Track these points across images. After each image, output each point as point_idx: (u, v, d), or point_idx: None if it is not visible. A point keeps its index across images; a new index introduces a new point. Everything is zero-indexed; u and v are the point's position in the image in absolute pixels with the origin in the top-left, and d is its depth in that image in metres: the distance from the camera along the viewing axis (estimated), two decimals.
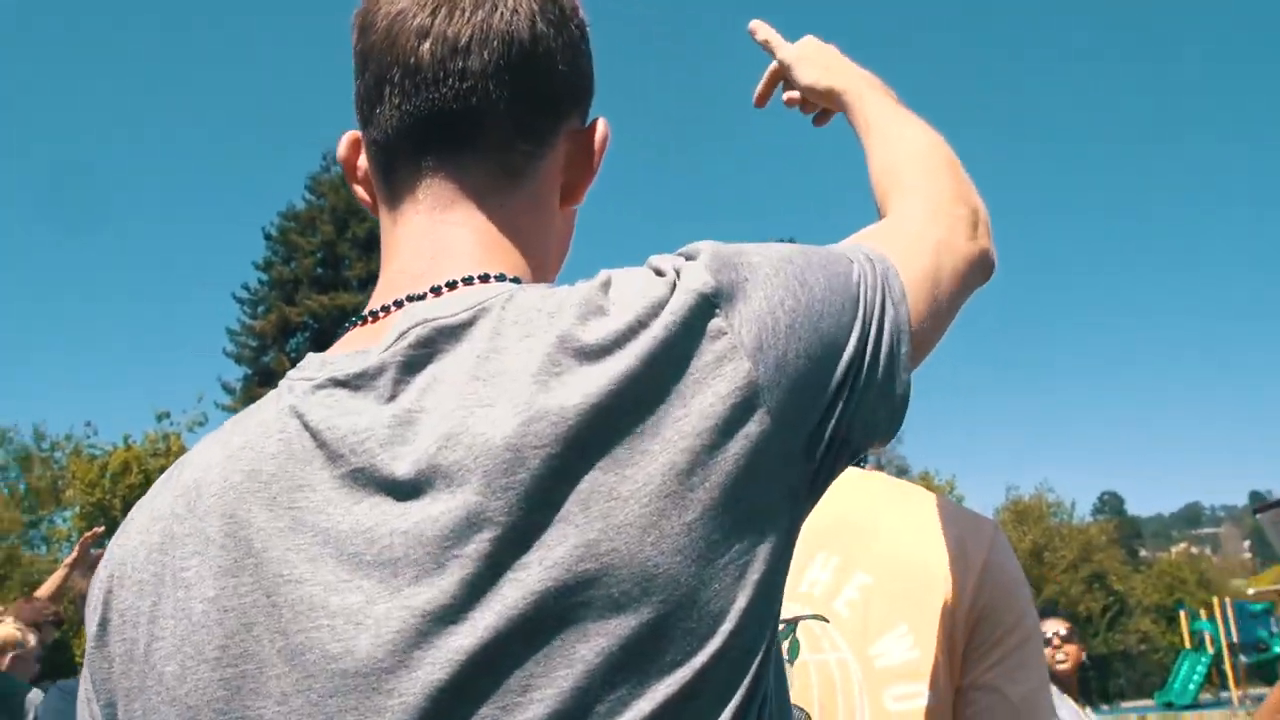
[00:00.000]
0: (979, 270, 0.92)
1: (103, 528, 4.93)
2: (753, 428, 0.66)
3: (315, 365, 0.74)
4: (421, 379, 0.69)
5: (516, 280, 0.76)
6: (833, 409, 0.71)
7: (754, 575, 0.65)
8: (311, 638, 0.64)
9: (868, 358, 0.73)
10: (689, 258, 0.72)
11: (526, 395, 0.65)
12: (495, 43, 0.76)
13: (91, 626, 0.73)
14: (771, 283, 0.71)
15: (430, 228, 0.79)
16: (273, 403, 0.74)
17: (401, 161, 0.79)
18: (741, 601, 0.65)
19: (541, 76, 0.79)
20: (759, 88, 1.28)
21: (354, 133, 0.85)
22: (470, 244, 0.78)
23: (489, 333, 0.68)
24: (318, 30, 48.88)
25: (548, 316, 0.68)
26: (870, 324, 0.74)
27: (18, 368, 41.01)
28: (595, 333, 0.66)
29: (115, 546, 0.75)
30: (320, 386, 0.71)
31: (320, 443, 0.69)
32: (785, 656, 1.19)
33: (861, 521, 1.27)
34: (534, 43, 0.77)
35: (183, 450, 25.16)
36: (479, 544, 0.62)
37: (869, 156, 1.05)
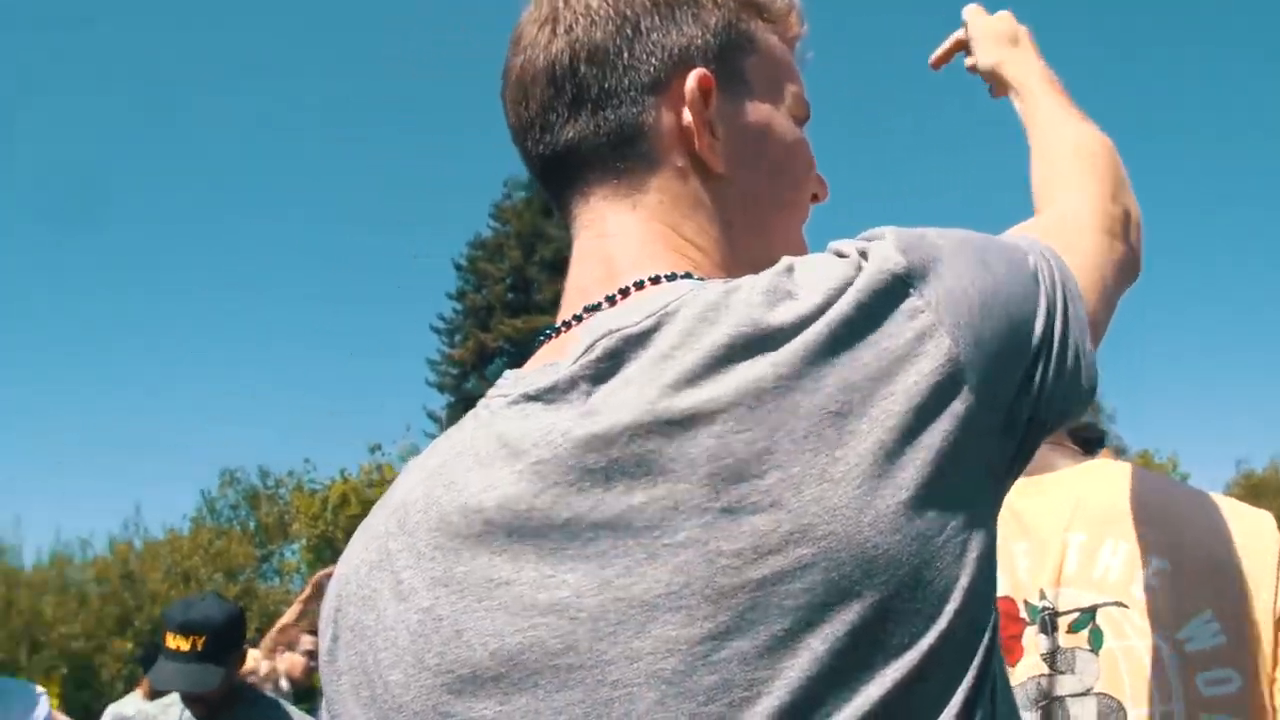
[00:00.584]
0: (1130, 272, 0.92)
1: (334, 567, 4.80)
2: (958, 405, 0.65)
3: (510, 382, 0.76)
4: (610, 385, 0.68)
5: (688, 275, 0.76)
6: (1026, 390, 0.70)
7: (973, 553, 0.64)
8: (528, 636, 0.64)
9: (1055, 346, 0.72)
10: (870, 240, 0.71)
11: (720, 384, 0.64)
12: (554, 71, 0.81)
13: (324, 643, 0.76)
14: (958, 262, 0.70)
15: (592, 245, 0.80)
16: (470, 421, 0.77)
17: (552, 193, 0.85)
18: (964, 580, 0.63)
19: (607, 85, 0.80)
20: (939, 50, 1.30)
21: None
22: (631, 251, 0.78)
23: (676, 334, 0.67)
24: (489, 64, 50.25)
25: (732, 308, 0.67)
26: (1054, 313, 0.73)
27: (243, 414, 43.62)
28: (784, 316, 0.65)
29: (341, 566, 0.78)
30: (514, 402, 0.72)
31: (511, 450, 0.69)
32: (1088, 646, 1.22)
33: (1142, 511, 1.28)
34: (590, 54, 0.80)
35: (395, 478, 25.93)
36: (688, 531, 0.62)
37: (1031, 149, 1.06)
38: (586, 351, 0.70)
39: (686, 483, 0.62)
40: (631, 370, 0.68)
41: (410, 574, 0.70)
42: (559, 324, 0.78)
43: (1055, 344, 0.72)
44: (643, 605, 0.62)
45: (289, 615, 4.79)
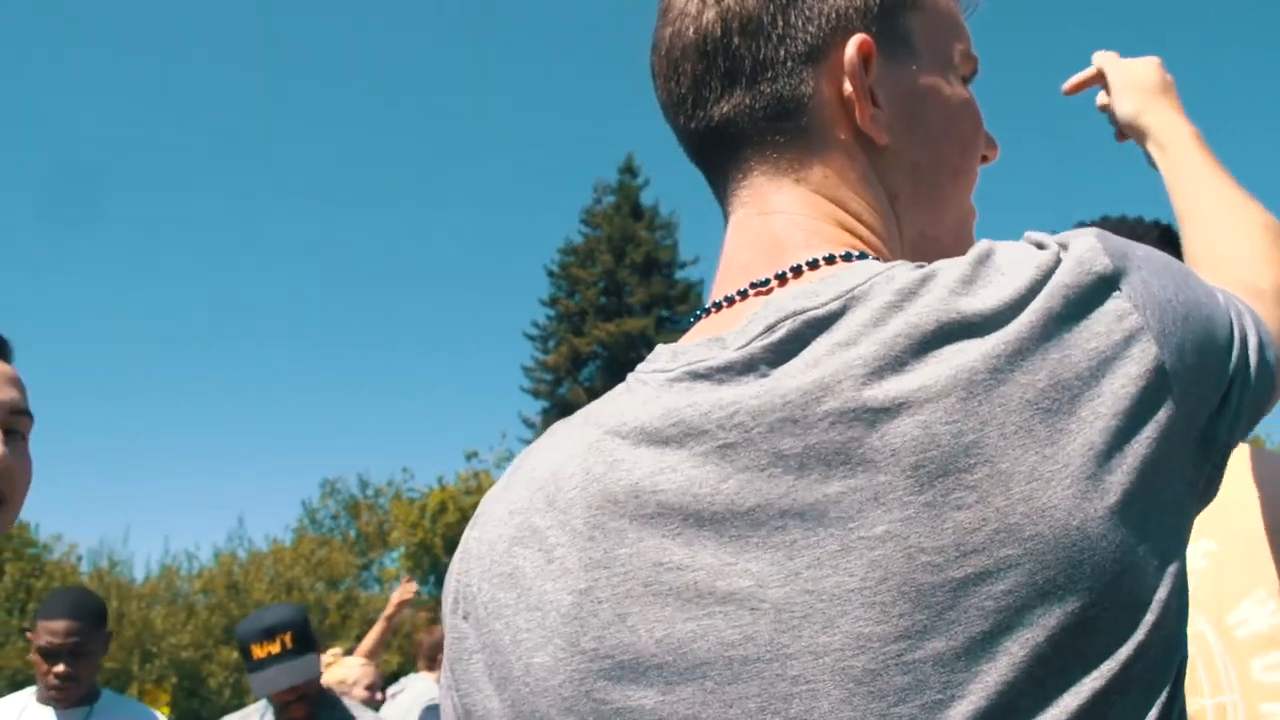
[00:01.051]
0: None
1: (414, 585, 5.14)
2: (1163, 414, 0.63)
3: (667, 357, 0.72)
4: (793, 367, 0.65)
5: (863, 256, 0.72)
6: (1223, 412, 0.68)
7: (1171, 567, 0.62)
8: (701, 625, 0.62)
9: (1252, 373, 0.70)
10: (1071, 237, 0.68)
11: (924, 372, 0.62)
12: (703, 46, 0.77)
13: (452, 620, 0.74)
14: (1163, 275, 0.68)
15: (754, 221, 0.77)
16: (626, 396, 0.73)
17: (707, 168, 0.82)
18: (1163, 593, 0.61)
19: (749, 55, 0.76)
20: (1075, 79, 1.28)
21: None
22: (798, 228, 0.75)
23: (868, 319, 0.64)
24: (574, 70, 50.61)
25: (930, 293, 0.64)
26: (1248, 342, 0.71)
27: (342, 425, 44.44)
28: (988, 302, 0.63)
29: (472, 541, 0.75)
30: (677, 379, 0.69)
31: (688, 429, 0.66)
32: None
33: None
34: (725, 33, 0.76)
35: (492, 485, 26.29)
36: (887, 524, 0.59)
37: (1183, 211, 1.05)
38: (767, 332, 0.67)
39: (888, 474, 0.60)
40: (818, 353, 0.64)
41: (564, 552, 0.67)
42: (720, 299, 0.75)
43: (1251, 371, 0.70)
44: (833, 599, 0.59)
45: (370, 642, 4.96)
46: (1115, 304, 0.63)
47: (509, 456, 27.50)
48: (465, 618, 0.73)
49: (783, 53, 0.75)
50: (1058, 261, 0.64)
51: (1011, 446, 0.59)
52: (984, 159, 0.84)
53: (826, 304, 0.66)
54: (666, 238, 33.01)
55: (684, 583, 0.63)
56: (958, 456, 0.59)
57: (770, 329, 0.67)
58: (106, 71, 46.29)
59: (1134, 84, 1.17)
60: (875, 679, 0.58)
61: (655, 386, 0.70)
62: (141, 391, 44.76)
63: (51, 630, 3.00)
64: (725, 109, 0.76)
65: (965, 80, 0.81)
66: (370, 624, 25.78)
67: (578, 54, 51.33)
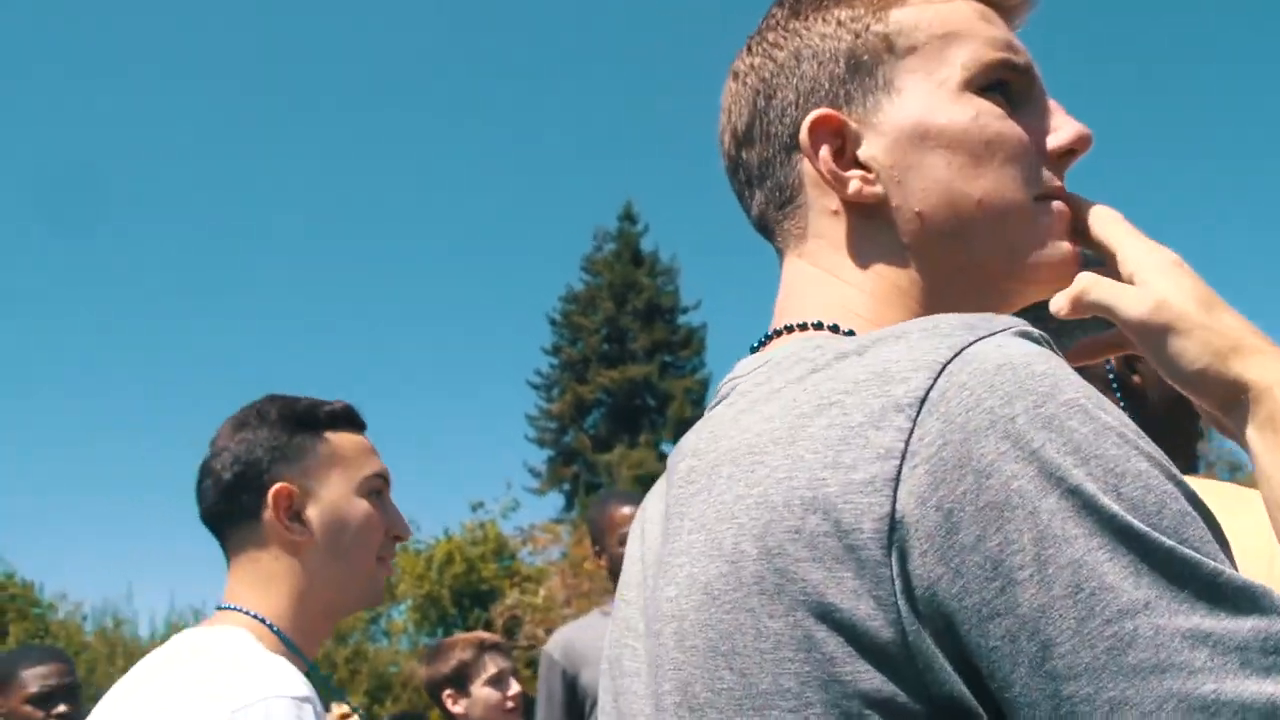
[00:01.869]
0: None
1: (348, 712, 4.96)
2: None
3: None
4: (718, 412, 0.73)
5: (835, 326, 0.74)
6: None
7: None
8: (623, 655, 0.77)
9: None
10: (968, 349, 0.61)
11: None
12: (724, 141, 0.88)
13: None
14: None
15: (778, 297, 0.82)
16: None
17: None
18: None
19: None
20: (1070, 298, 0.75)
21: None
22: (791, 299, 0.80)
23: (749, 385, 0.71)
24: (573, 117, 50.99)
25: (785, 370, 0.68)
26: None
27: None
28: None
29: None
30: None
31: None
32: None
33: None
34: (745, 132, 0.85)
35: (499, 536, 26.35)
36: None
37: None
38: (725, 384, 0.78)
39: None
40: (720, 409, 0.74)
41: (634, 546, 0.83)
42: (763, 336, 0.83)
43: None
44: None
45: None
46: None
47: (514, 506, 27.33)
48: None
49: (771, 151, 0.81)
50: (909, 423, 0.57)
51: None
52: (1072, 152, 0.78)
53: (746, 374, 0.75)
54: (668, 283, 33.12)
55: (661, 598, 0.67)
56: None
57: (720, 386, 0.79)
58: (106, 74, 46.74)
59: (1185, 314, 0.70)
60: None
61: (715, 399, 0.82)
62: (140, 449, 44.71)
63: (44, 674, 2.98)
64: (755, 211, 0.85)
65: (982, 83, 0.76)
66: (381, 678, 25.63)
67: (575, 101, 51.86)
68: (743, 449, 0.63)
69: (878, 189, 0.76)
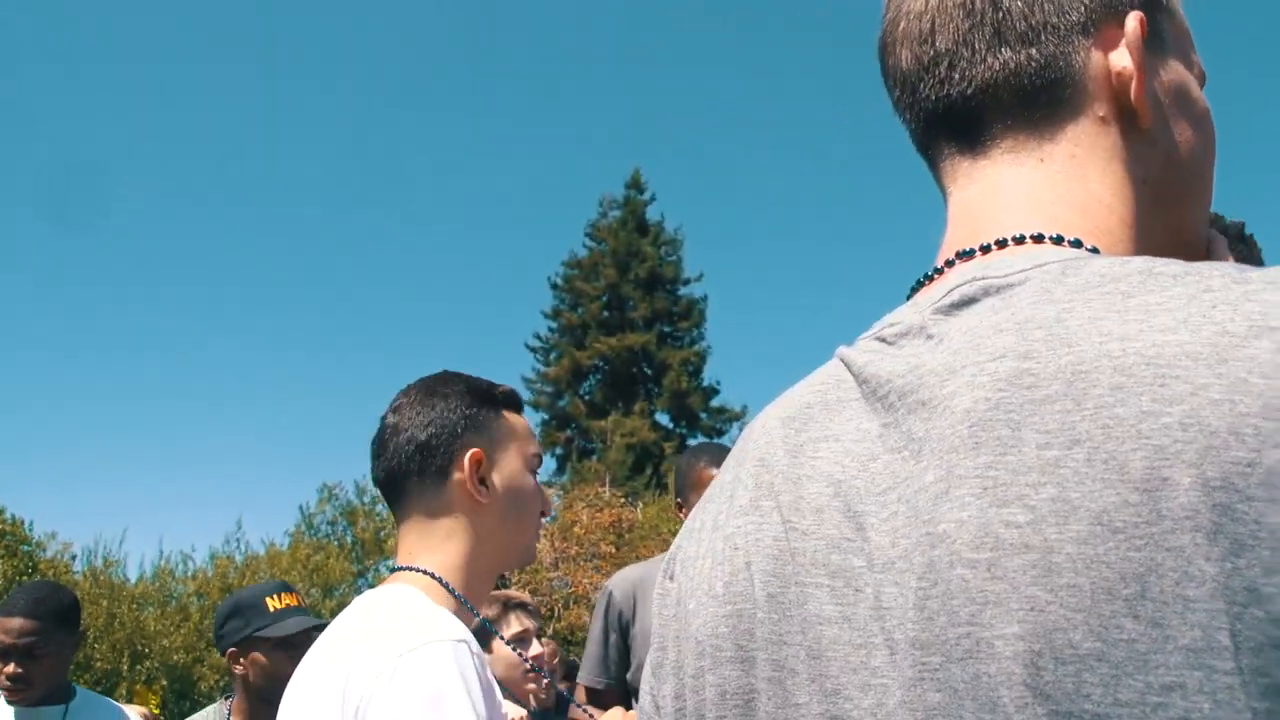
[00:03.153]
0: None
1: None
2: None
3: (877, 325, 0.73)
4: (949, 331, 0.65)
5: (1077, 242, 0.69)
6: None
7: None
8: (808, 593, 0.64)
9: None
10: None
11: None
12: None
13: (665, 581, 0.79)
14: None
15: (984, 199, 0.74)
16: (841, 349, 0.74)
17: (939, 146, 0.78)
18: None
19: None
20: None
21: None
22: (1025, 204, 0.72)
23: (1036, 291, 0.62)
24: (583, 83, 50.74)
25: (1116, 281, 0.59)
26: None
27: (343, 431, 44.39)
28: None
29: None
30: (867, 339, 0.72)
31: (863, 384, 0.68)
32: None
33: None
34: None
35: None
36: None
37: None
38: (946, 296, 0.67)
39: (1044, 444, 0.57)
40: (971, 319, 0.64)
41: (726, 504, 0.74)
42: (931, 270, 0.74)
43: None
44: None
45: None
46: None
47: None
48: (669, 576, 0.79)
49: (1057, 19, 0.72)
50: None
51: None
52: None
53: (1008, 274, 0.64)
54: (671, 254, 33.09)
55: (803, 548, 0.65)
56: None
57: (949, 292, 0.67)
58: (106, 74, 46.47)
59: None
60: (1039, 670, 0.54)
61: (850, 347, 0.73)
62: (143, 393, 44.77)
63: (5, 628, 2.91)
64: (988, 72, 0.73)
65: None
66: None
67: (587, 68, 51.54)
68: (1136, 359, 0.53)
69: (1151, 117, 0.73)
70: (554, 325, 33.12)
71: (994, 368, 0.59)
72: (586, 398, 30.89)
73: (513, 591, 3.39)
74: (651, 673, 0.77)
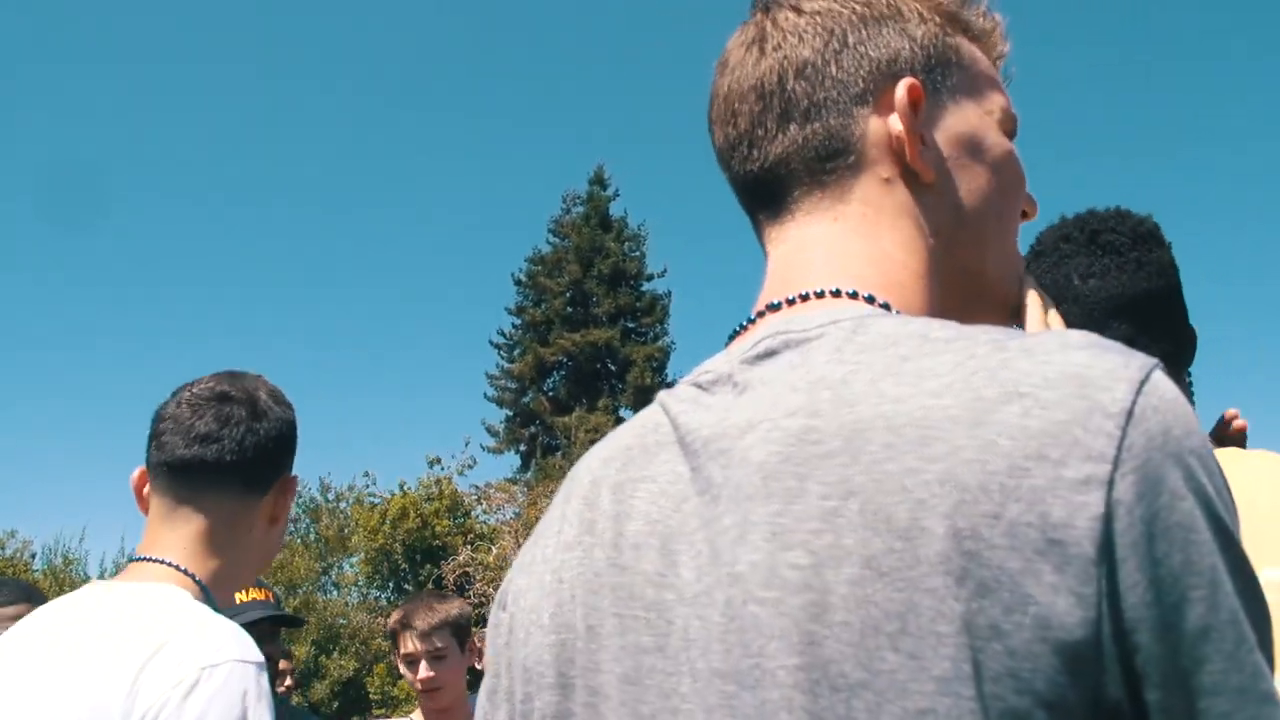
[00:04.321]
0: None
1: None
2: None
3: (697, 370, 0.79)
4: (752, 380, 0.72)
5: (870, 298, 0.76)
6: None
7: None
8: (627, 624, 0.69)
9: None
10: (1150, 376, 0.61)
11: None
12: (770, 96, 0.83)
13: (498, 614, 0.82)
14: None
15: (792, 258, 0.81)
16: (660, 394, 0.80)
17: (755, 212, 0.86)
18: None
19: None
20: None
21: None
22: (823, 261, 0.79)
23: (829, 349, 0.69)
24: (546, 79, 50.59)
25: (896, 344, 0.67)
26: None
27: (305, 428, 43.89)
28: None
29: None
30: (686, 385, 0.77)
31: (677, 429, 0.74)
32: None
33: (1267, 509, 1.13)
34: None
35: (454, 493, 26.41)
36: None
37: None
38: (754, 347, 0.74)
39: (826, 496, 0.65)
40: (770, 371, 0.71)
41: (555, 540, 0.79)
42: (745, 321, 0.80)
43: None
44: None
45: None
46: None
47: (472, 464, 27.41)
48: (500, 607, 0.82)
49: (836, 94, 0.80)
50: (1120, 434, 0.58)
51: None
52: (1024, 215, 0.88)
53: (805, 330, 0.72)
54: (634, 249, 33.16)
55: (621, 582, 0.70)
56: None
57: (756, 344, 0.74)
58: (106, 74, 45.79)
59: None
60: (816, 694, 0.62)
61: (668, 393, 0.79)
62: (102, 390, 44.24)
63: (2, 616, 2.87)
64: (778, 149, 0.81)
65: (1008, 136, 0.86)
66: (330, 629, 25.51)
67: (551, 64, 51.48)
68: (905, 420, 0.61)
69: (933, 173, 0.80)
70: (517, 321, 33.12)
71: (786, 424, 0.66)
72: (551, 394, 30.88)
73: (410, 609, 3.19)
74: (487, 699, 0.80)
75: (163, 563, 1.44)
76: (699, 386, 0.76)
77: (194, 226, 46.54)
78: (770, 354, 0.72)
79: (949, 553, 0.56)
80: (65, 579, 22.59)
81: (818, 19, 0.82)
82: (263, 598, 3.14)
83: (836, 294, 0.76)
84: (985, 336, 0.64)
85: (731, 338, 0.81)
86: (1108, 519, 0.55)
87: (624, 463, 0.76)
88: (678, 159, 49.60)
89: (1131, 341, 1.33)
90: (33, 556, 23.64)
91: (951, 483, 0.57)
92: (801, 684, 0.59)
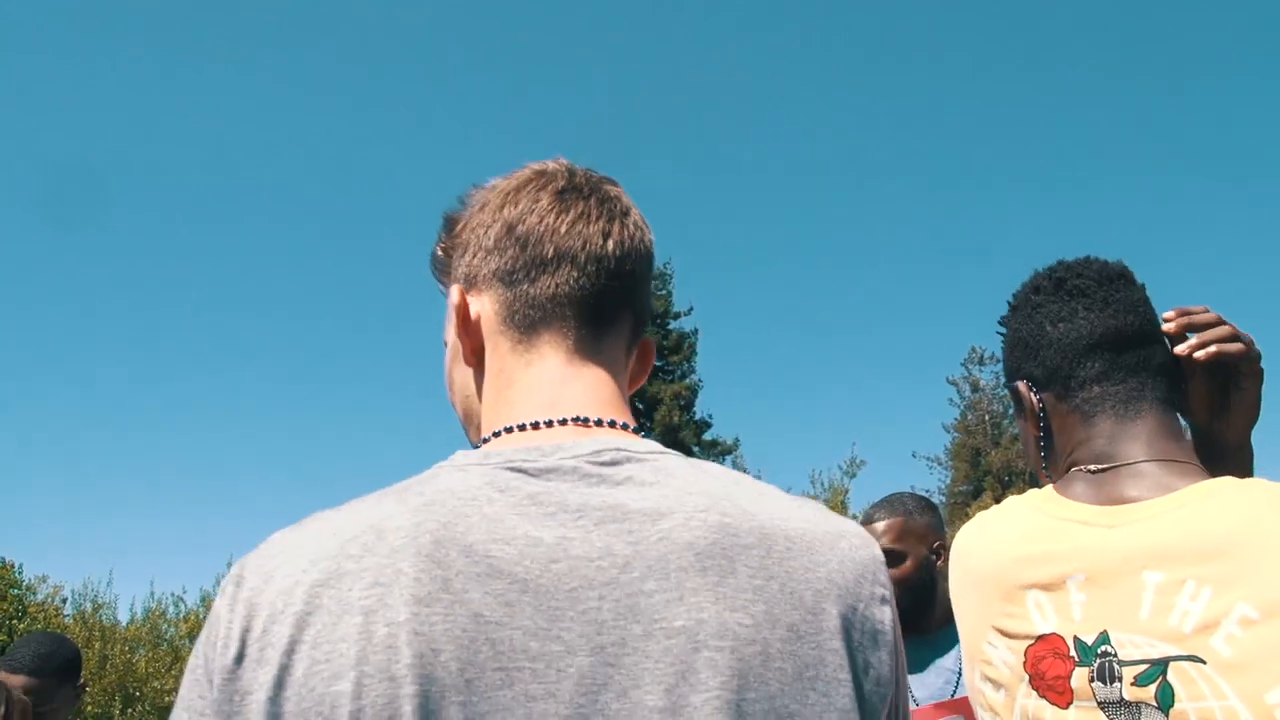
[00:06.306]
0: None
1: None
2: None
3: (479, 456, 0.88)
4: (624, 477, 0.86)
5: (625, 426, 0.94)
6: None
7: None
8: (513, 675, 0.75)
9: None
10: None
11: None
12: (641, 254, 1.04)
13: (226, 660, 0.78)
14: None
15: (566, 374, 0.97)
16: (457, 473, 0.86)
17: (545, 323, 0.99)
18: None
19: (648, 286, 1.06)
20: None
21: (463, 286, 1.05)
22: (593, 392, 0.96)
23: (688, 468, 0.89)
24: (568, 116, 50.95)
25: (739, 480, 0.91)
26: None
27: (330, 466, 44.13)
28: None
29: (253, 590, 0.80)
30: (508, 469, 0.86)
31: (532, 501, 0.83)
32: (1156, 703, 1.14)
33: (1240, 542, 1.14)
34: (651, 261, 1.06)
35: None
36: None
37: None
38: (595, 453, 0.88)
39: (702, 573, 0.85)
40: (636, 471, 0.87)
41: (380, 591, 0.79)
42: (527, 423, 0.93)
43: None
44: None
45: None
46: None
47: None
48: (240, 659, 0.79)
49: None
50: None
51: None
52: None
53: (641, 453, 0.89)
54: (660, 288, 33.14)
55: (499, 637, 0.77)
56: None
57: (598, 451, 0.88)
58: (107, 74, 46.52)
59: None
60: None
61: (492, 469, 0.86)
62: (129, 431, 44.53)
63: (9, 685, 2.83)
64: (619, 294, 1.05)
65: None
66: None
67: (570, 100, 51.84)
68: (795, 531, 0.86)
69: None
70: None
71: (703, 518, 0.83)
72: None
73: None
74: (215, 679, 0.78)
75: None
76: (523, 471, 0.86)
77: (205, 232, 46.92)
78: (617, 462, 0.88)
79: (839, 625, 0.83)
80: (95, 624, 22.57)
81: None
82: None
83: (625, 426, 0.95)
84: (731, 477, 0.91)
85: (513, 432, 0.93)
86: (893, 624, 0.89)
87: (465, 528, 0.81)
88: (701, 198, 49.71)
89: (1105, 377, 1.37)
90: (64, 601, 23.64)
91: (835, 581, 0.85)
92: (768, 714, 0.78)
